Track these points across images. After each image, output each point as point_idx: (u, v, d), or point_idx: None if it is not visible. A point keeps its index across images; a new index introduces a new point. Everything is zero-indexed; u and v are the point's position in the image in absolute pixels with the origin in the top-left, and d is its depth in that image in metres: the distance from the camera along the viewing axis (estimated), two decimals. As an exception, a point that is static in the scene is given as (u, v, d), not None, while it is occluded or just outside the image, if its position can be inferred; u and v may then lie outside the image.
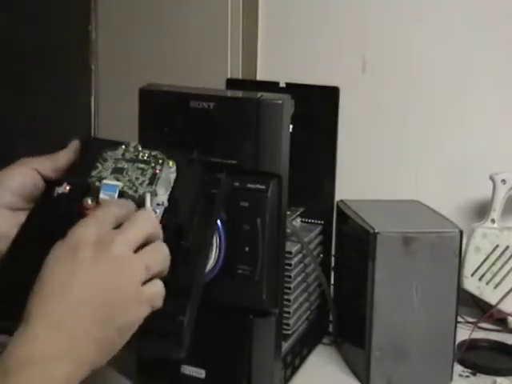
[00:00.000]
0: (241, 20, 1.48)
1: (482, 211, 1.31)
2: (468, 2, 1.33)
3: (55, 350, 0.63)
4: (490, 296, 1.24)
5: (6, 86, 1.76)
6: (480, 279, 1.25)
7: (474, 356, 1.11)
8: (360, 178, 1.41)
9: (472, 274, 1.25)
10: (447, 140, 1.37)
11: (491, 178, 1.25)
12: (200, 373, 0.96)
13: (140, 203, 0.75)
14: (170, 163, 0.80)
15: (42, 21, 1.71)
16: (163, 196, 0.78)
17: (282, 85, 1.11)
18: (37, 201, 0.81)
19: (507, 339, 1.18)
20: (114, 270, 0.67)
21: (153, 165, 0.78)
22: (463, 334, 1.13)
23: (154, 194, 0.76)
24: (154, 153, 0.80)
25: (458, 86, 1.35)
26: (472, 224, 1.27)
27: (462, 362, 1.10)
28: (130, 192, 0.76)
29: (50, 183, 0.81)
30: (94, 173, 0.77)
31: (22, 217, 0.79)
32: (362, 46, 1.41)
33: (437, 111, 1.37)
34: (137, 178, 0.77)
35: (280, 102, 0.90)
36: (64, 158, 0.83)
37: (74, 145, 0.84)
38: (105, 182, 0.76)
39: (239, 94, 1.03)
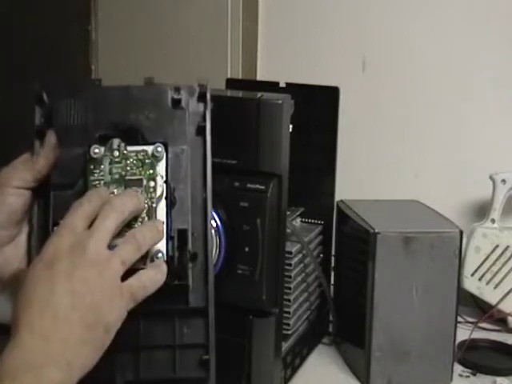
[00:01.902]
0: (241, 20, 1.48)
1: (482, 211, 1.31)
2: (468, 2, 1.33)
3: (48, 356, 0.64)
4: (490, 296, 1.24)
5: (6, 86, 1.76)
6: (480, 279, 1.25)
7: (474, 356, 1.11)
8: (360, 177, 1.41)
9: (472, 274, 1.25)
10: (447, 140, 1.37)
11: (491, 178, 1.25)
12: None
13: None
14: (159, 149, 0.76)
15: (42, 21, 1.71)
16: (161, 214, 0.75)
17: (282, 85, 1.11)
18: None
19: (507, 339, 1.18)
20: (92, 272, 0.67)
21: (145, 183, 0.75)
22: (463, 333, 1.13)
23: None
24: (140, 155, 0.76)
25: (457, 85, 1.35)
26: (472, 224, 1.27)
27: (462, 362, 1.10)
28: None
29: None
30: None
31: (22, 238, 0.77)
32: (362, 45, 1.41)
33: (437, 111, 1.37)
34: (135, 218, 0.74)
35: (280, 102, 0.90)
36: (43, 163, 0.76)
37: (51, 142, 0.76)
38: None
39: (239, 93, 1.03)
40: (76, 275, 0.67)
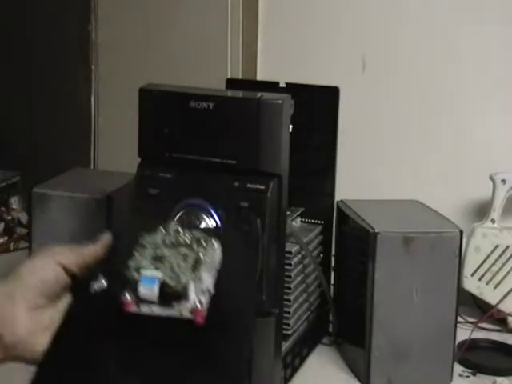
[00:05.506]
0: (241, 20, 1.48)
1: (482, 211, 1.30)
2: (468, 2, 1.33)
3: None
4: (490, 296, 1.24)
5: (6, 86, 1.76)
6: (480, 279, 1.25)
7: (474, 356, 1.11)
8: (360, 178, 1.40)
9: (472, 274, 1.25)
10: (447, 140, 1.37)
11: (491, 178, 1.25)
12: (200, 373, 0.96)
13: (183, 293, 0.68)
14: (214, 243, 0.72)
15: (42, 21, 1.71)
16: (208, 280, 0.70)
17: (282, 85, 1.11)
18: (72, 300, 0.72)
19: (507, 339, 1.18)
20: None
21: (195, 248, 0.71)
22: (463, 333, 1.13)
23: (197, 281, 0.69)
24: (196, 234, 0.72)
25: (457, 85, 1.35)
26: (472, 224, 1.27)
27: (462, 362, 1.10)
28: (172, 282, 0.68)
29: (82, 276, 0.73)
30: (131, 263, 0.69)
31: (41, 317, 0.70)
32: (362, 46, 1.41)
33: (437, 111, 1.37)
34: (178, 265, 0.69)
35: (280, 102, 0.90)
36: (91, 254, 0.74)
37: (105, 240, 0.75)
38: (143, 272, 0.68)
39: (239, 94, 1.03)
40: None
